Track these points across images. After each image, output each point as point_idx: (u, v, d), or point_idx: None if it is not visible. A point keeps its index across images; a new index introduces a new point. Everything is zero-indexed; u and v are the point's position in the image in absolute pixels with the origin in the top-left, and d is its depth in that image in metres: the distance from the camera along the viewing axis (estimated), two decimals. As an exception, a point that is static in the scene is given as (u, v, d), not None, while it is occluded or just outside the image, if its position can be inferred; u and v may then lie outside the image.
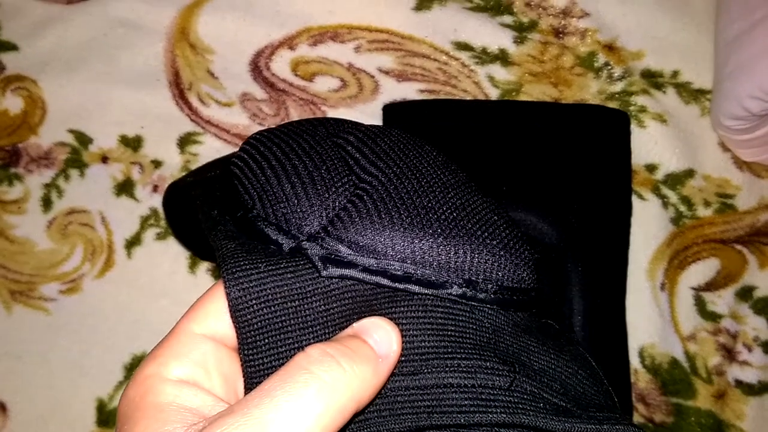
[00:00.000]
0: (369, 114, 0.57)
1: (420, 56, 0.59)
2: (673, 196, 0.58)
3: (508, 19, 0.59)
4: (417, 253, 0.26)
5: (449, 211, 0.27)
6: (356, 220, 0.26)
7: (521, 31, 0.59)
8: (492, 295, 0.26)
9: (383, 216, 0.26)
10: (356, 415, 0.23)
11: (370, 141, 0.29)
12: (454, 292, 0.26)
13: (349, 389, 0.21)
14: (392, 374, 0.24)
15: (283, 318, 0.24)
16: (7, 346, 0.53)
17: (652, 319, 0.55)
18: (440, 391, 0.24)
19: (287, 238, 0.26)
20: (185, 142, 0.57)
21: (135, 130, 0.57)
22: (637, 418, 0.53)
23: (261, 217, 0.27)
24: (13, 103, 0.57)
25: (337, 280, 0.25)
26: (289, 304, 0.25)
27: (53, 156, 0.57)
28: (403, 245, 0.26)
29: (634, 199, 0.56)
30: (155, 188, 0.56)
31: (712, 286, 0.56)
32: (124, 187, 0.56)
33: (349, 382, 0.21)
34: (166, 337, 0.25)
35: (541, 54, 0.59)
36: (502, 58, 0.59)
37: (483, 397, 0.24)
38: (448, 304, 0.26)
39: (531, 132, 0.56)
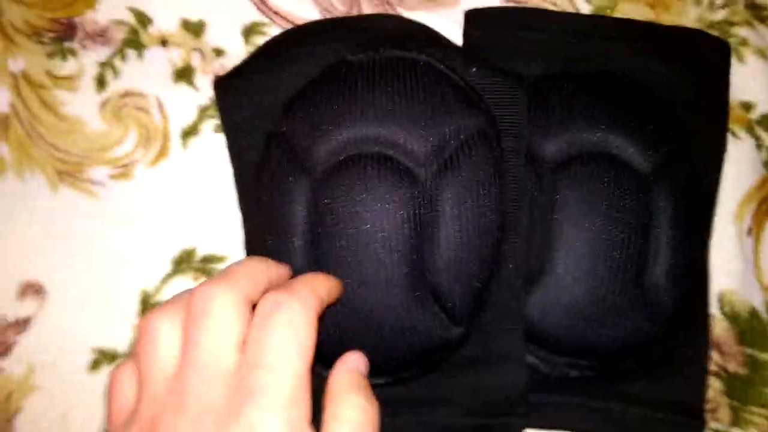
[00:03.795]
0: (450, 20, 0.53)
1: (509, -38, 0.54)
2: (767, 139, 0.53)
3: (609, -71, 0.54)
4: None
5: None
6: None
7: (623, -57, 0.54)
8: None
9: None
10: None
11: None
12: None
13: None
14: None
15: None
16: (50, 227, 0.50)
17: (735, 265, 0.51)
18: None
19: None
20: (250, 32, 0.53)
21: (198, 14, 0.53)
22: (710, 366, 0.50)
23: None
24: (71, -26, 0.54)
25: None
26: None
27: (110, 34, 0.53)
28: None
29: (728, 136, 0.52)
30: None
31: (801, 236, 0.52)
32: (184, 74, 0.52)
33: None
34: None
35: (642, -30, 0.54)
36: (600, -29, 0.54)
37: None
38: None
39: (624, 52, 0.51)
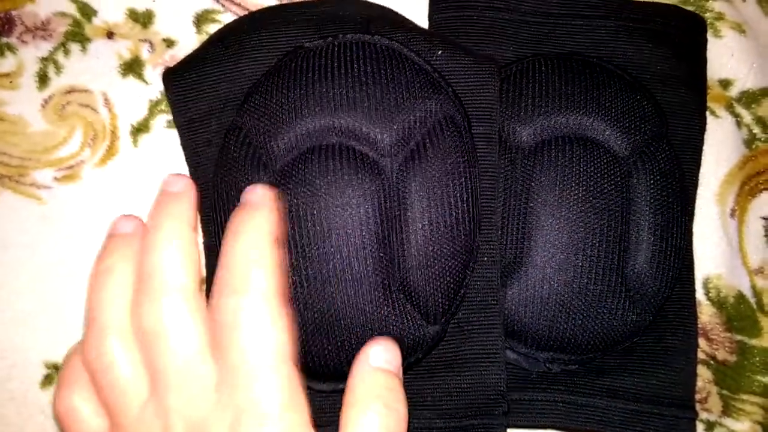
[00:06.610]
0: (414, 2, 0.50)
1: (474, -61, 0.51)
2: (747, 116, 0.51)
3: None
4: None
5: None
6: None
7: None
8: None
9: None
10: None
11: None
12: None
13: None
14: None
15: None
16: (-8, 236, 0.47)
17: (720, 248, 0.49)
18: None
19: None
20: (202, 20, 0.50)
21: (146, 3, 0.50)
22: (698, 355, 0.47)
23: None
24: (7, -35, 0.50)
25: None
26: None
27: (51, 27, 0.49)
28: None
29: (707, 115, 0.50)
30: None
31: (785, 216, 0.50)
32: (132, 67, 0.49)
33: None
34: None
35: (613, -56, 0.51)
36: (569, -54, 0.51)
37: None
38: None
39: (596, 30, 0.49)
